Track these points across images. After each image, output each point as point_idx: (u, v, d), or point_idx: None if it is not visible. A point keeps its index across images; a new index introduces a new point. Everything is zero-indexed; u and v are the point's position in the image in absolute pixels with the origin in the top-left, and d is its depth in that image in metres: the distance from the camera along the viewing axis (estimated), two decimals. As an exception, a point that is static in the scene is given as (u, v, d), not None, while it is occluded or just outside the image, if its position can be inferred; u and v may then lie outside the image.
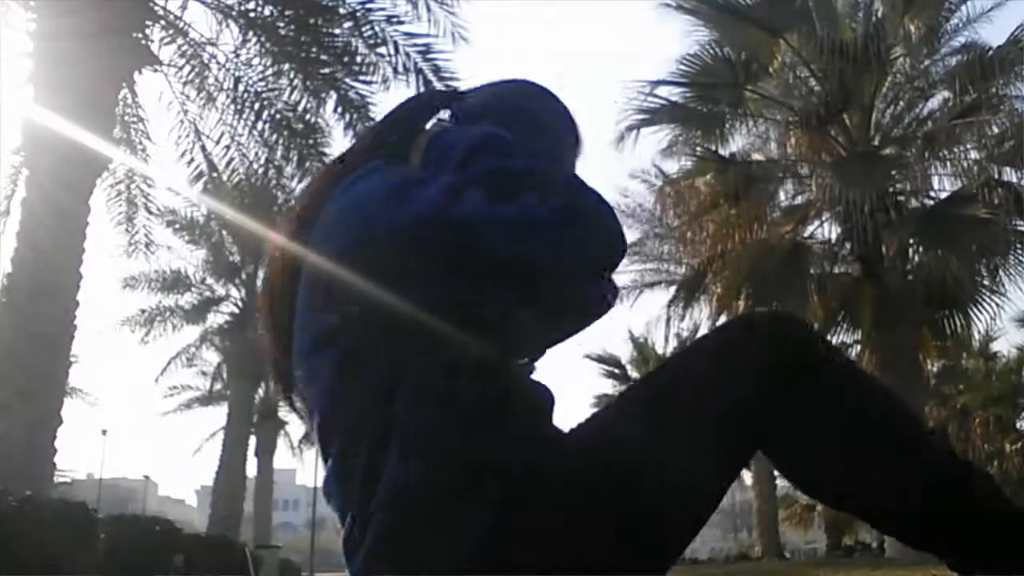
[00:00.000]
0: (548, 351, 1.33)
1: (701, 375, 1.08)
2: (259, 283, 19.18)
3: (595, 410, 1.18)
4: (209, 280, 22.27)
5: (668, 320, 15.86)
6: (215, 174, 11.02)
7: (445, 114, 1.35)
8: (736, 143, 13.16)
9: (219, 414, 23.42)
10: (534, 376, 1.26)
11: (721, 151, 12.88)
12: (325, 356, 1.12)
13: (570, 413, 1.20)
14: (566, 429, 1.14)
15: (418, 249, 1.10)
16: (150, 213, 12.60)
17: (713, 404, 1.06)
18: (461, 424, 1.06)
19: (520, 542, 1.00)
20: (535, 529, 1.01)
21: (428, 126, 1.33)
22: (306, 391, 1.17)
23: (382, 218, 1.12)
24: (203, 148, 10.81)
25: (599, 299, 1.24)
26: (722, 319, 12.81)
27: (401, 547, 1.02)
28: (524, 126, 1.27)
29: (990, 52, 11.46)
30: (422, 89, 9.60)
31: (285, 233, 1.25)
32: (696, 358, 1.14)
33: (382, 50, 9.57)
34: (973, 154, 11.93)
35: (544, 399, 1.17)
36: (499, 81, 1.43)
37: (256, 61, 10.00)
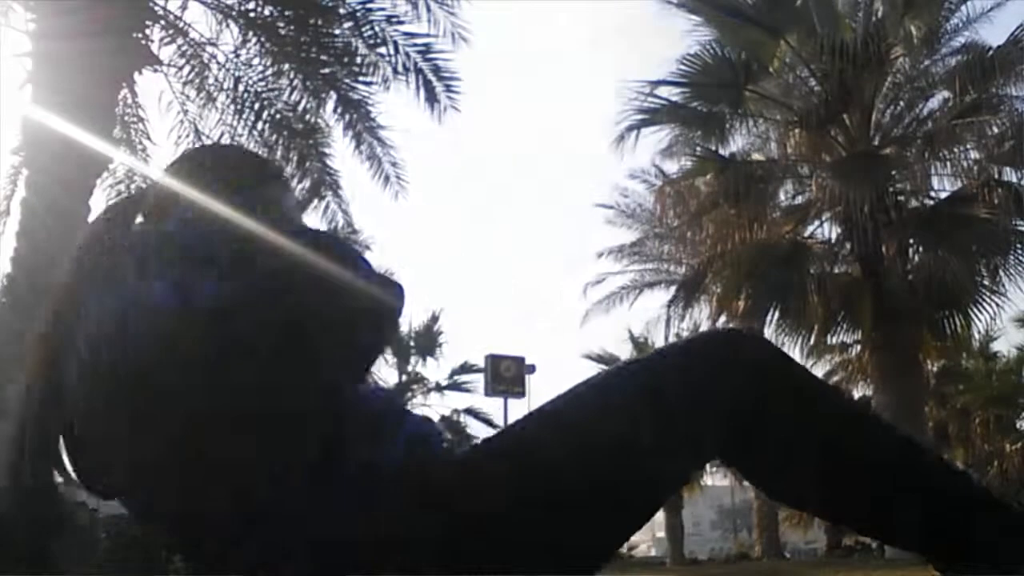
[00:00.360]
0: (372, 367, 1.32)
1: (667, 376, 1.09)
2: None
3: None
4: (209, 280, 22.28)
5: (668, 320, 15.86)
6: (215, 174, 11.01)
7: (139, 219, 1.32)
8: (736, 143, 13.18)
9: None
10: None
11: (721, 151, 12.89)
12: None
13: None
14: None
15: (179, 347, 1.02)
16: (150, 213, 12.59)
17: (678, 403, 1.06)
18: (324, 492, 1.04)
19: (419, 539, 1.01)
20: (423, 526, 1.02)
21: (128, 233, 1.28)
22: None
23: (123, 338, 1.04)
24: (203, 148, 10.82)
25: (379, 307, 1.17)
26: (722, 319, 12.82)
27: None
28: (230, 199, 1.24)
29: (990, 52, 11.46)
30: (423, 90, 9.63)
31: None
32: (664, 361, 1.15)
33: (382, 50, 9.57)
34: (973, 154, 11.95)
35: (391, 405, 1.20)
36: (169, 165, 1.42)
37: (256, 61, 9.99)
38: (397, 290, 1.14)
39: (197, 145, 9.10)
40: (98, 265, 1.16)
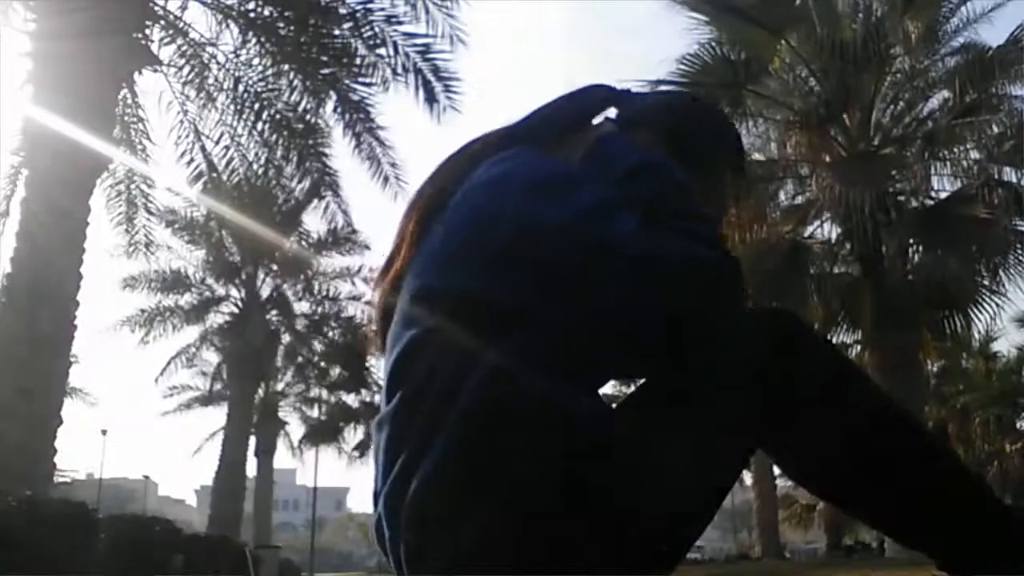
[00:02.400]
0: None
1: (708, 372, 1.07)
2: (259, 283, 18.96)
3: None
4: (209, 280, 22.29)
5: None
6: (215, 174, 11.02)
7: (611, 113, 1.30)
8: (736, 143, 13.15)
9: (219, 414, 23.44)
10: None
11: (721, 151, 12.87)
12: (410, 329, 1.09)
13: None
14: None
15: (543, 252, 1.05)
16: (150, 213, 12.60)
17: (723, 403, 1.05)
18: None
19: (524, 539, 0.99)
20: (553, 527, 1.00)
21: (595, 122, 1.28)
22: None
23: (517, 208, 1.07)
24: (203, 148, 10.82)
25: None
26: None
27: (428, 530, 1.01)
28: (686, 154, 1.23)
29: (990, 52, 11.46)
30: (422, 90, 9.63)
31: (414, 209, 1.20)
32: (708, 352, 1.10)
33: (382, 51, 9.58)
34: (973, 154, 11.93)
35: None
36: (667, 92, 1.41)
37: (256, 61, 10.01)
38: None
39: None
40: None
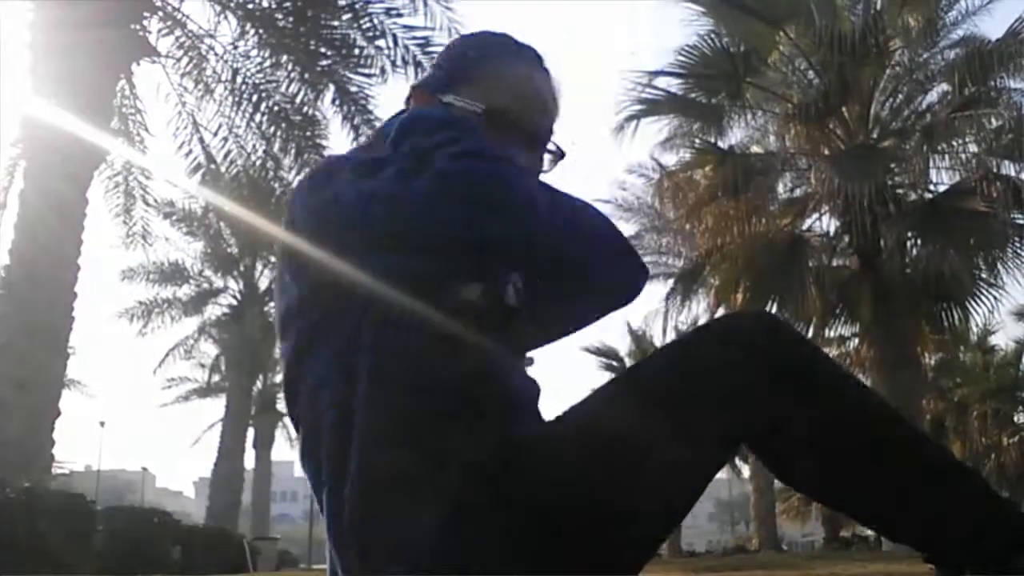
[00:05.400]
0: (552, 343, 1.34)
1: (695, 369, 1.07)
2: (257, 275, 18.98)
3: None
4: (207, 272, 22.28)
5: (666, 313, 15.91)
6: (213, 166, 11.01)
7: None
8: (735, 135, 13.14)
9: (217, 406, 23.48)
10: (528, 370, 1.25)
11: (720, 143, 12.86)
12: (295, 327, 1.14)
13: (566, 406, 1.20)
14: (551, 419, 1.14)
15: (363, 225, 1.08)
16: (148, 205, 12.59)
17: (707, 399, 1.04)
18: (426, 407, 1.06)
19: (469, 540, 1.00)
20: (489, 528, 1.01)
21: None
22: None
23: (336, 197, 1.12)
24: (201, 140, 10.80)
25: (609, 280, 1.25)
26: (720, 311, 12.81)
27: (367, 535, 1.03)
28: (474, 81, 1.25)
29: (989, 45, 11.44)
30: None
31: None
32: (688, 350, 1.13)
33: (381, 43, 9.56)
34: (972, 147, 11.91)
35: (529, 394, 1.19)
36: (454, 43, 1.41)
37: (254, 53, 9.99)
38: (636, 281, 1.26)
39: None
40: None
